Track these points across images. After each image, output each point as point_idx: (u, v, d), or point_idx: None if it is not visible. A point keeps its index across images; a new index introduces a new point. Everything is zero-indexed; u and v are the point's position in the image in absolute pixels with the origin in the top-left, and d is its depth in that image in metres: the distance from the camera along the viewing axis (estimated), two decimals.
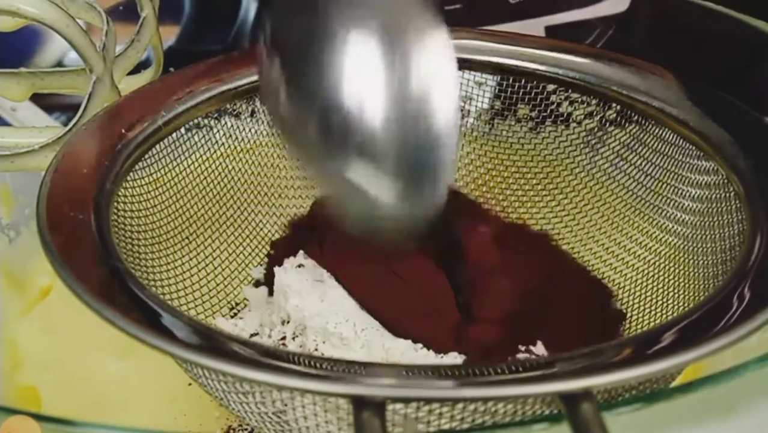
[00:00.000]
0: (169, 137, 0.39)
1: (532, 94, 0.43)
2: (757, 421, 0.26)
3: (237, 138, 0.43)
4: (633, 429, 0.25)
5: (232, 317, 0.40)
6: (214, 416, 0.38)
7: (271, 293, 0.39)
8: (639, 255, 0.40)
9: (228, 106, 0.42)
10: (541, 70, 0.42)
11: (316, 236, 0.38)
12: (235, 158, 0.43)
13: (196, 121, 0.40)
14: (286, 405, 0.28)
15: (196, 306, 0.38)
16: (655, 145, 0.39)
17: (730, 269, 0.31)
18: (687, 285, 0.36)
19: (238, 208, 0.43)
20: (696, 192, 0.37)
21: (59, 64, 0.56)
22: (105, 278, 0.28)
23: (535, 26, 0.57)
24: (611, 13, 0.56)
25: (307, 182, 0.45)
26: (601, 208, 0.43)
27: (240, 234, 0.43)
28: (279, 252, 0.41)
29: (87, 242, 0.30)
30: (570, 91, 0.42)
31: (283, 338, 0.35)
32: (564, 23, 0.57)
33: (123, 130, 0.36)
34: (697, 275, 0.35)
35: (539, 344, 0.36)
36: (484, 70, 0.44)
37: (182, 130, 0.39)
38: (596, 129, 0.43)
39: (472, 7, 0.57)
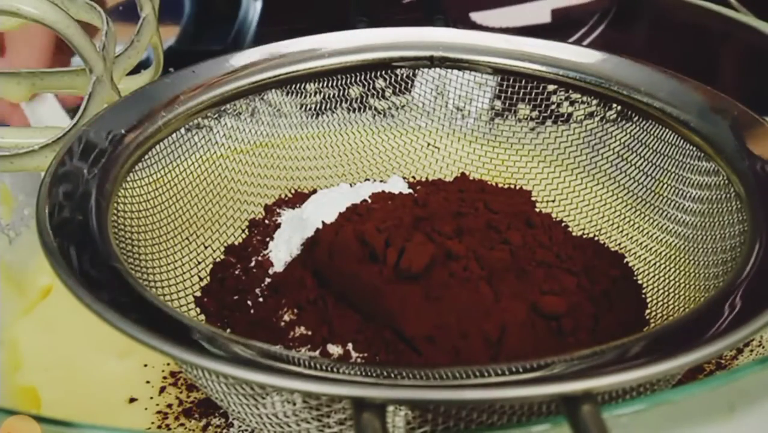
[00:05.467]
0: (169, 137, 0.39)
1: (532, 94, 0.43)
2: (758, 421, 0.26)
3: (237, 138, 0.43)
4: (634, 431, 0.25)
5: None
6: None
7: None
8: (639, 256, 0.40)
9: (228, 106, 0.42)
10: (541, 70, 0.42)
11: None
12: (234, 158, 0.43)
13: (196, 121, 0.40)
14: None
15: (197, 307, 0.38)
16: (656, 145, 0.40)
17: (731, 269, 0.31)
18: (687, 286, 0.36)
19: (239, 208, 0.43)
20: (697, 193, 0.37)
21: None
22: (105, 278, 0.28)
23: (542, 8, 0.57)
24: None
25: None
26: (601, 209, 0.43)
27: (241, 235, 0.43)
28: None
29: (87, 243, 0.30)
30: (570, 91, 0.42)
31: None
32: (570, 6, 0.58)
33: (123, 130, 0.36)
34: (697, 275, 0.35)
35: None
36: (485, 71, 0.44)
37: (182, 130, 0.39)
38: (596, 129, 0.43)
39: None
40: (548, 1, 0.59)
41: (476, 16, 0.60)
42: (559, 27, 0.59)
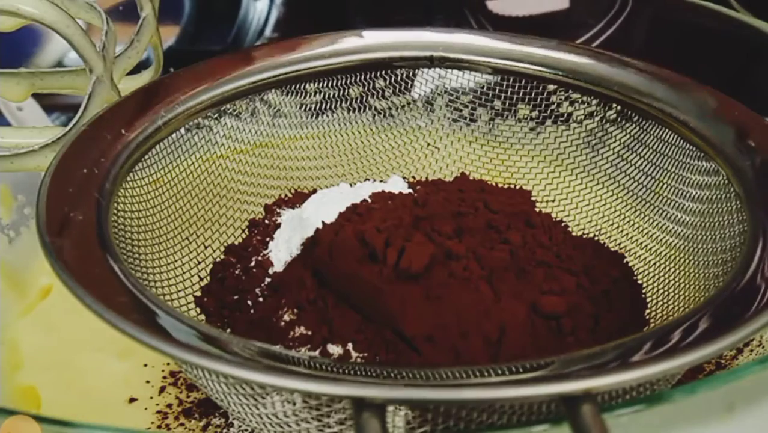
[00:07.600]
0: (169, 137, 0.39)
1: (532, 94, 0.43)
2: (757, 421, 0.26)
3: (237, 138, 0.43)
4: (634, 431, 0.25)
5: None
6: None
7: None
8: (639, 256, 0.40)
9: (228, 106, 0.42)
10: (541, 70, 0.42)
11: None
12: (234, 158, 0.43)
13: (196, 121, 0.40)
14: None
15: (197, 307, 0.38)
16: (656, 145, 0.39)
17: (731, 269, 0.31)
18: (687, 286, 0.36)
19: (239, 208, 0.43)
20: (696, 193, 0.37)
21: (59, 64, 0.56)
22: (105, 278, 0.28)
23: None
24: None
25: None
26: (601, 209, 0.43)
27: (241, 235, 0.43)
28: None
29: (87, 243, 0.30)
30: (570, 91, 0.42)
31: None
32: None
33: (123, 130, 0.36)
34: (697, 275, 0.35)
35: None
36: (485, 71, 0.44)
37: (182, 130, 0.39)
38: (596, 129, 0.43)
39: None
40: None
41: (493, 5, 0.59)
42: (579, 15, 0.57)
